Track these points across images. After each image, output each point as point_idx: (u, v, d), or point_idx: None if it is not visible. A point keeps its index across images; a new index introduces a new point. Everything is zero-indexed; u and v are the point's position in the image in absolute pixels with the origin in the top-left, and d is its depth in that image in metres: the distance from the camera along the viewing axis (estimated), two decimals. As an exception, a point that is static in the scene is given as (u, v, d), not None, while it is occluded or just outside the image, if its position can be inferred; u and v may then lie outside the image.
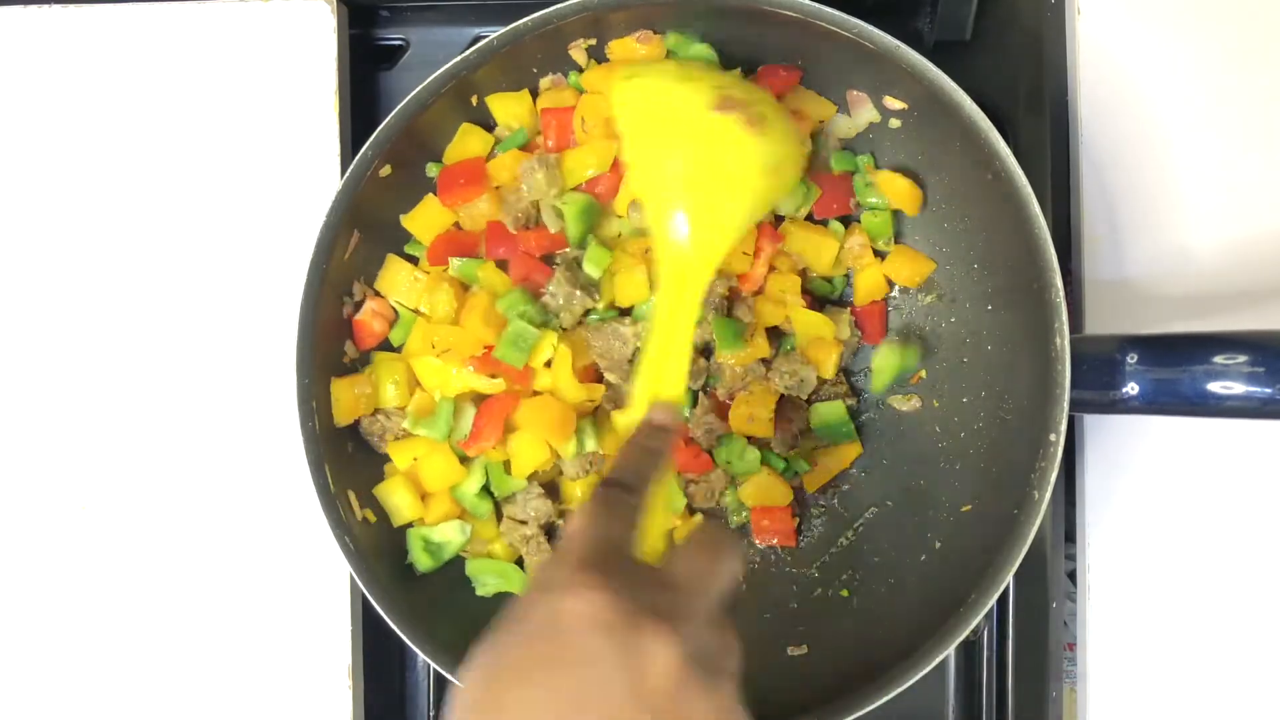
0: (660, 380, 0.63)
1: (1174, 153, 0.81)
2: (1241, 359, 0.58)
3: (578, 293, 0.75)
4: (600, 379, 0.77)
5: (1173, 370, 0.61)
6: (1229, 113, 0.81)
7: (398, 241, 0.78)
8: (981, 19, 0.82)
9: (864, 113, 0.77)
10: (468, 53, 0.70)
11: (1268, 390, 0.58)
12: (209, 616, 0.82)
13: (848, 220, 0.80)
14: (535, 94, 0.78)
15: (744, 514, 0.81)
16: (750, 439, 0.79)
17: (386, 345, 0.78)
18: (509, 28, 0.70)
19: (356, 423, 0.76)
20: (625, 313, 0.77)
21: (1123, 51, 0.83)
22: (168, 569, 0.82)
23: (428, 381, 0.77)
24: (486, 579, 0.78)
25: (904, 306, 0.82)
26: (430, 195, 0.78)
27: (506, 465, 0.77)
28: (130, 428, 0.82)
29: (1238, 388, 0.58)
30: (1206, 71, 0.82)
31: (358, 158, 0.70)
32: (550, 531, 0.78)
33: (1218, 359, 0.59)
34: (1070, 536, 0.82)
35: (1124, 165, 0.82)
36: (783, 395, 0.79)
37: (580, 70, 0.77)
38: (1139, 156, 0.82)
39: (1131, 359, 0.62)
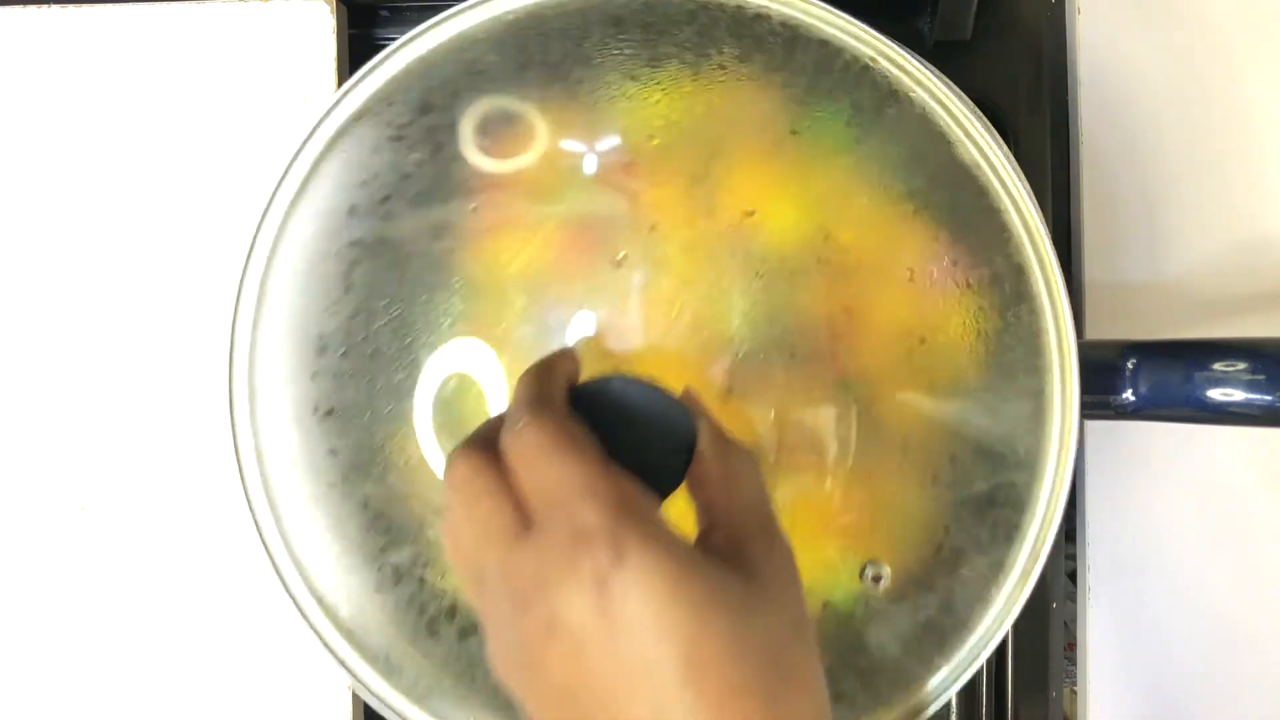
0: None
1: (1175, 154, 0.81)
2: (1241, 366, 0.58)
3: None
4: None
5: (1173, 376, 0.61)
6: (1229, 112, 0.81)
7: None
8: (981, 19, 0.82)
9: None
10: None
11: (1268, 398, 0.57)
12: (209, 617, 0.82)
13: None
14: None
15: None
16: None
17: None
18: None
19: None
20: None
21: (1123, 51, 0.83)
22: (168, 570, 0.82)
23: None
24: None
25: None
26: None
27: None
28: (130, 428, 0.83)
29: (1238, 395, 0.58)
30: (1207, 71, 0.82)
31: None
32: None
33: (1217, 365, 0.59)
34: (1070, 536, 0.82)
35: (1124, 166, 0.81)
36: None
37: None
38: (1139, 157, 0.81)
39: (1131, 364, 0.62)
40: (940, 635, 0.69)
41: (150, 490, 0.82)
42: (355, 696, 0.80)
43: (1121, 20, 0.83)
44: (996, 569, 0.67)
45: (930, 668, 0.68)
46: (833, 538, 0.78)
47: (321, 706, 0.81)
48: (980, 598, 0.68)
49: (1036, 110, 0.82)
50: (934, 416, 0.79)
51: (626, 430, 0.47)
